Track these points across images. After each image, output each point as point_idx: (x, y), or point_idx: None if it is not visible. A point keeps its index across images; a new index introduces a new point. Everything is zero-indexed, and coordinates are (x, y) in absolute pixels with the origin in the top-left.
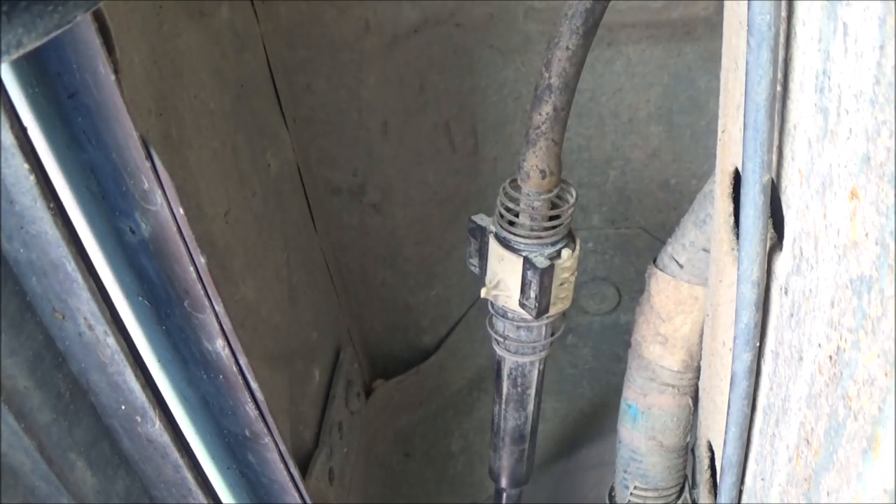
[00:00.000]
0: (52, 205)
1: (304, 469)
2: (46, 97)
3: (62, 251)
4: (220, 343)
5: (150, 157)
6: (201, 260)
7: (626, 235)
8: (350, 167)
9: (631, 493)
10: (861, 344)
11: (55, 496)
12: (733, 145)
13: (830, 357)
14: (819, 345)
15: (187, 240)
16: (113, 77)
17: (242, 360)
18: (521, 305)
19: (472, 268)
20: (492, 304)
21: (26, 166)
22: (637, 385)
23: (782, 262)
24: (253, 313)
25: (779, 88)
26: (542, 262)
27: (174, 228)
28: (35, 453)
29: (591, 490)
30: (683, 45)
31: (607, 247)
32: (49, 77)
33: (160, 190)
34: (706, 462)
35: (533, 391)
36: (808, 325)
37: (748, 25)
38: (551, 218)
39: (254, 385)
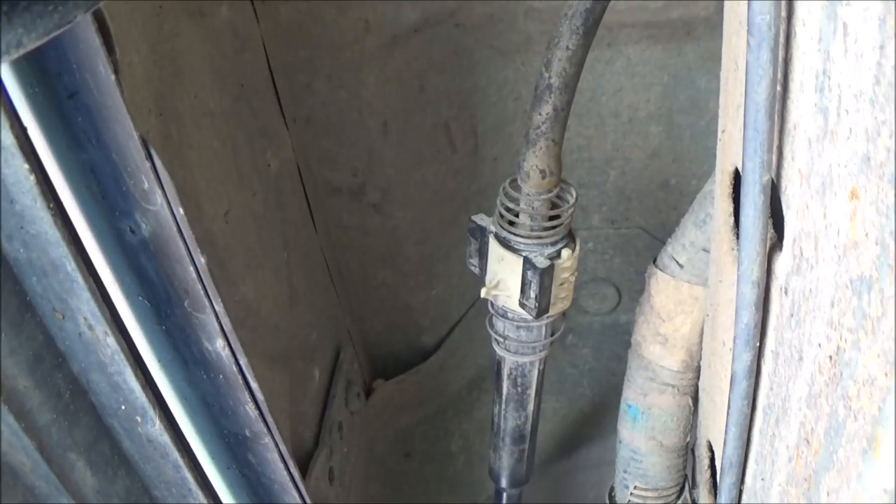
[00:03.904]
0: (52, 205)
1: (304, 469)
2: (46, 97)
3: (62, 251)
4: (220, 343)
5: (150, 157)
6: (201, 260)
7: (626, 235)
8: (350, 167)
9: (631, 493)
10: (861, 344)
11: (55, 496)
12: (733, 145)
13: (830, 357)
14: (819, 345)
15: (187, 240)
16: (113, 77)
17: (242, 360)
18: (521, 305)
19: (472, 268)
20: (492, 304)
21: (26, 166)
22: (637, 385)
23: (782, 262)
24: (253, 313)
25: (779, 88)
26: (542, 262)
27: (174, 228)
28: (35, 453)
29: (591, 490)
30: (683, 45)
31: (607, 247)
32: (49, 77)
33: (160, 190)
34: (706, 462)
35: (533, 391)
36: (808, 325)
37: (748, 25)
38: (551, 218)
39: (254, 385)
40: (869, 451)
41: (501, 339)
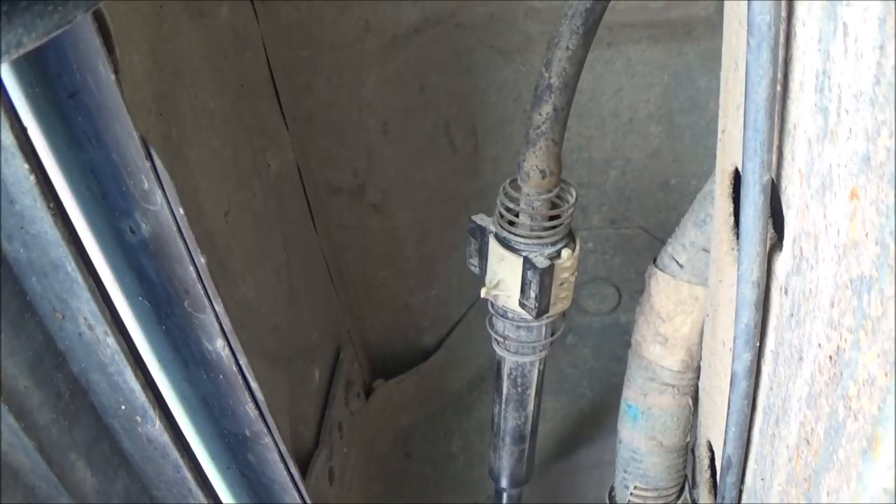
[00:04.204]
0: (52, 205)
1: (304, 469)
2: (46, 97)
3: (62, 251)
4: (220, 343)
5: (150, 157)
6: (201, 260)
7: (626, 235)
8: (350, 167)
9: (631, 493)
10: (861, 344)
11: (55, 496)
12: (733, 145)
13: (830, 357)
14: (819, 345)
15: (187, 240)
16: (113, 77)
17: (242, 360)
18: (521, 305)
19: (472, 268)
20: (492, 304)
21: (26, 166)
22: (637, 385)
23: (782, 262)
24: (253, 313)
25: (779, 88)
26: (542, 262)
27: (174, 228)
28: (35, 453)
29: (591, 490)
30: (683, 45)
31: (607, 247)
32: (49, 77)
33: (160, 190)
34: (706, 462)
35: (533, 391)
36: (808, 325)
37: (748, 25)
38: (551, 218)
39: (254, 385)
40: (869, 451)
41: (501, 339)
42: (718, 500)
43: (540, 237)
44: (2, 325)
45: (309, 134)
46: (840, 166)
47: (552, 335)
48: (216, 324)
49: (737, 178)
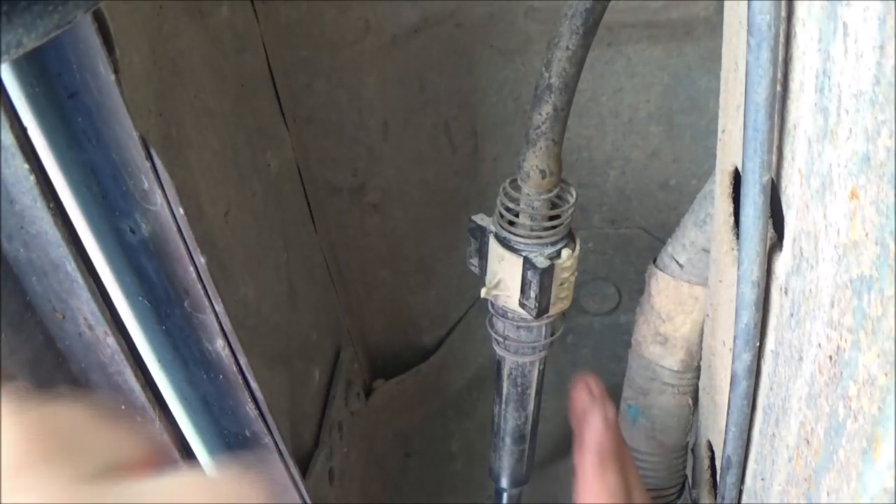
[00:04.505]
0: (52, 205)
1: (304, 469)
2: (46, 97)
3: (62, 251)
4: (220, 343)
5: (150, 157)
6: (201, 260)
7: (626, 235)
8: (350, 167)
9: None
10: (861, 344)
11: None
12: (733, 145)
13: (830, 357)
14: (819, 345)
15: (187, 240)
16: (113, 77)
17: (242, 360)
18: (522, 305)
19: (472, 268)
20: (492, 304)
21: (26, 166)
22: (637, 385)
23: (782, 262)
24: (253, 313)
25: (779, 88)
26: (542, 262)
27: (174, 228)
28: None
29: None
30: (683, 45)
31: (607, 247)
32: (49, 77)
33: (160, 190)
34: (706, 462)
35: (533, 391)
36: (808, 325)
37: (748, 25)
38: (551, 218)
39: (254, 385)
40: (869, 451)
41: (501, 339)
42: (718, 500)
43: (540, 237)
44: (2, 325)
45: (309, 134)
46: (840, 166)
47: (552, 335)
48: (216, 324)
49: (737, 178)
